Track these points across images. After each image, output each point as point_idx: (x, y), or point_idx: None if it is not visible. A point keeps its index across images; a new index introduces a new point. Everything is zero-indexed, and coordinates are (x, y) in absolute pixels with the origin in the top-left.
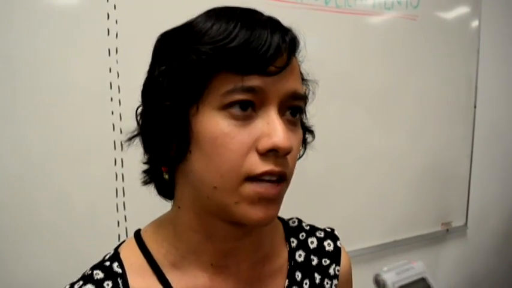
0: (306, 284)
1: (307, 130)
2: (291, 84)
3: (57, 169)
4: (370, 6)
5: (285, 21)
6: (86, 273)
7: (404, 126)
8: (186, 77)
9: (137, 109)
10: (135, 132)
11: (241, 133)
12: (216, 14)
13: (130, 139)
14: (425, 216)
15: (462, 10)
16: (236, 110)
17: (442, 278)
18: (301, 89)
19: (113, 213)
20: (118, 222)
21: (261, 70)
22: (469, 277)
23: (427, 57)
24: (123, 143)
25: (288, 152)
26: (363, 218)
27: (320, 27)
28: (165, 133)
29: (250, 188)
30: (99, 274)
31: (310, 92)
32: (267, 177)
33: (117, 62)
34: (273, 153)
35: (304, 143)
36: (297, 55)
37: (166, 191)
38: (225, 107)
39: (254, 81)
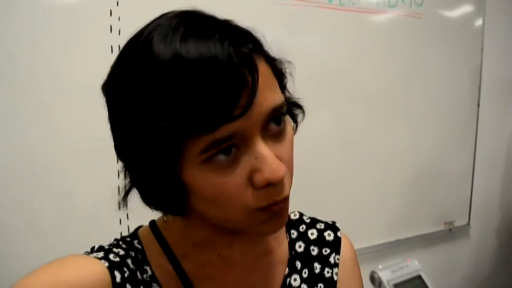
0: (304, 273)
1: (294, 105)
2: (266, 104)
3: (59, 167)
4: (374, 4)
5: (288, 20)
6: (112, 242)
7: (407, 124)
8: (158, 144)
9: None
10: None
11: (232, 177)
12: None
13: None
14: (428, 216)
15: (466, 8)
16: (220, 159)
17: (444, 278)
18: (279, 99)
19: (115, 211)
20: (120, 220)
21: (226, 119)
22: (472, 276)
23: (431, 55)
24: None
25: (282, 179)
26: (364, 217)
27: (323, 25)
28: (160, 186)
29: (261, 215)
30: (123, 245)
31: (287, 73)
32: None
33: None
34: (270, 185)
35: (296, 121)
36: (264, 53)
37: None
38: (207, 160)
39: (225, 131)
